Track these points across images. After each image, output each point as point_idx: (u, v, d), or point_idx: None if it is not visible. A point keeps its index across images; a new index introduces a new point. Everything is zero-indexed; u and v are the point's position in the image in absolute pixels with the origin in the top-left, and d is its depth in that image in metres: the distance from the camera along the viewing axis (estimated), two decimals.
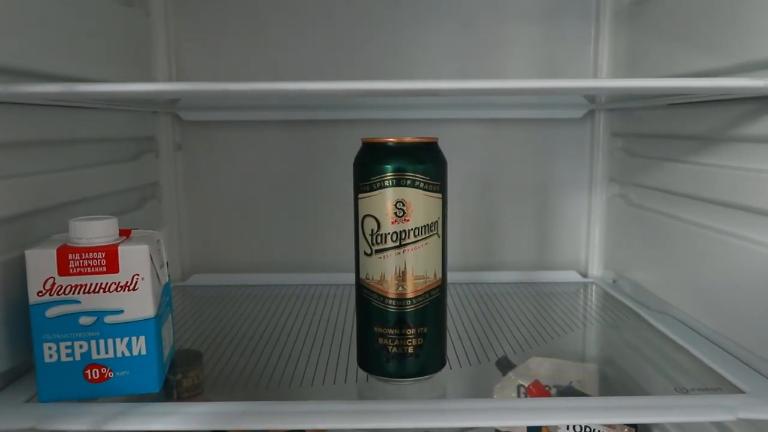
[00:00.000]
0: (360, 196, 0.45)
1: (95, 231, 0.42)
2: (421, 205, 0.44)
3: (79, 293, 0.41)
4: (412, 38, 0.77)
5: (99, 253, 0.41)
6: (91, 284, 0.41)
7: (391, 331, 0.45)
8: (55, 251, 0.40)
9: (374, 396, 0.47)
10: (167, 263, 0.48)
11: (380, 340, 0.46)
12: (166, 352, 0.46)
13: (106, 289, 0.41)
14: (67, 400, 0.42)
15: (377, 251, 0.45)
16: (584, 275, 0.81)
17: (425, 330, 0.46)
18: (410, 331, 0.45)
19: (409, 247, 0.44)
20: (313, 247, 0.81)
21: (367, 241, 0.45)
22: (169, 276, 0.48)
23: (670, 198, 0.61)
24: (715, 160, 0.53)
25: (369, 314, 0.46)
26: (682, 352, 0.53)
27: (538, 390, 0.47)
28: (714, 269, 0.53)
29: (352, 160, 0.46)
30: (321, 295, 0.73)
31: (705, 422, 0.50)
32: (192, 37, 0.77)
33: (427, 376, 0.47)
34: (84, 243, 0.41)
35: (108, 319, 0.41)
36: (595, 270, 0.81)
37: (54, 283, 0.40)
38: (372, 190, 0.44)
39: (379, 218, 0.44)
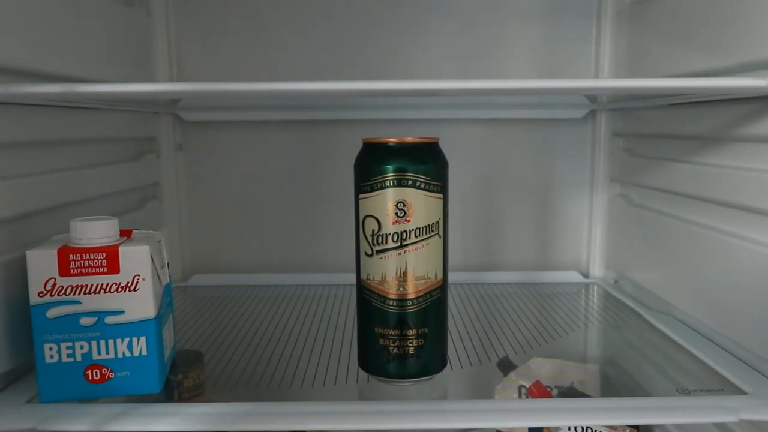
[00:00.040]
0: (361, 196, 0.45)
1: (96, 231, 0.42)
2: (422, 205, 0.44)
3: (79, 294, 0.41)
4: (412, 38, 0.77)
5: (100, 254, 0.41)
6: (92, 285, 0.41)
7: (392, 331, 0.45)
8: (56, 252, 0.40)
9: (375, 397, 0.47)
10: (168, 264, 0.48)
11: (381, 341, 0.46)
12: (167, 352, 0.46)
13: (107, 290, 0.41)
14: (68, 400, 0.41)
15: (378, 252, 0.45)
16: (585, 275, 0.81)
17: (426, 331, 0.46)
18: (411, 332, 0.45)
19: (410, 247, 0.44)
20: (314, 248, 0.81)
21: (368, 242, 0.45)
22: (169, 276, 0.48)
23: (672, 198, 0.61)
24: (716, 160, 0.53)
25: (370, 315, 0.46)
26: (683, 352, 0.53)
27: (539, 391, 0.47)
28: (716, 269, 0.53)
29: (353, 161, 0.46)
30: (322, 296, 0.73)
31: (707, 423, 0.50)
32: (193, 37, 0.77)
33: (428, 377, 0.47)
34: (85, 243, 0.41)
35: (109, 319, 0.41)
36: (597, 270, 0.80)
37: (55, 284, 0.40)
38: (373, 190, 0.44)
39: (380, 218, 0.44)
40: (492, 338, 0.58)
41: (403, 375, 0.46)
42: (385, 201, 0.44)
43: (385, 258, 0.44)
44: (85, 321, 0.41)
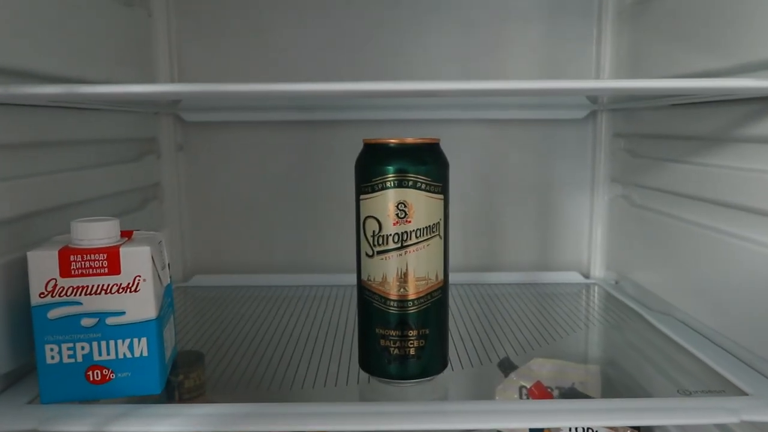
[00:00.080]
0: (361, 197, 0.45)
1: (97, 232, 0.42)
2: (422, 206, 0.44)
3: (80, 295, 0.41)
4: (412, 38, 0.77)
5: (101, 255, 0.41)
6: (93, 286, 0.41)
7: (392, 332, 0.45)
8: (56, 253, 0.40)
9: (376, 398, 0.47)
10: (169, 264, 0.48)
11: (382, 342, 0.46)
12: (168, 353, 0.46)
13: (108, 291, 0.41)
14: (69, 401, 0.41)
15: (379, 252, 0.45)
16: (586, 276, 0.81)
17: (427, 331, 0.46)
18: (412, 333, 0.45)
19: (411, 248, 0.44)
20: (315, 248, 0.81)
21: (369, 243, 0.45)
22: (170, 277, 0.48)
23: (673, 199, 0.61)
24: (717, 161, 0.53)
25: (370, 316, 0.46)
26: (684, 353, 0.53)
27: (540, 391, 0.47)
28: (717, 270, 0.53)
29: (353, 161, 0.46)
30: (322, 296, 0.73)
31: (708, 424, 0.50)
32: (193, 37, 0.77)
33: (428, 378, 0.47)
34: (86, 244, 0.41)
35: (110, 320, 0.41)
36: (598, 271, 0.80)
37: (56, 285, 0.40)
38: (373, 191, 0.44)
39: (380, 219, 0.44)
40: (493, 339, 0.58)
41: (403, 376, 0.46)
42: (386, 202, 0.44)
43: (385, 259, 0.44)
44: (86, 322, 0.41)
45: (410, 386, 0.46)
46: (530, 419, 0.41)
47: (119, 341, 0.42)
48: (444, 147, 0.46)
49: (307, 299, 0.72)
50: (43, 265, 0.40)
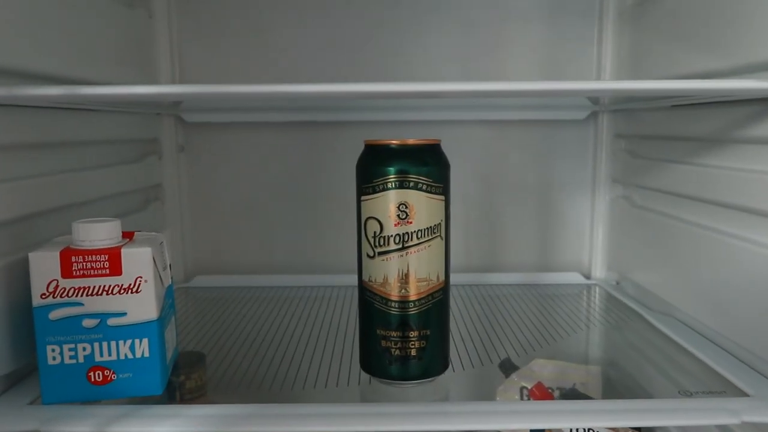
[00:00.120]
0: (363, 198, 0.45)
1: (98, 233, 0.42)
2: (423, 207, 0.44)
3: (82, 295, 0.41)
4: (412, 38, 0.77)
5: (102, 256, 0.41)
6: (94, 287, 0.41)
7: (393, 333, 0.45)
8: (58, 253, 0.40)
9: (377, 399, 0.47)
10: (170, 265, 0.48)
11: (383, 343, 0.46)
12: (169, 354, 0.46)
13: (109, 292, 0.41)
14: (71, 402, 0.42)
15: (380, 253, 0.45)
16: (587, 277, 0.81)
17: (428, 332, 0.46)
18: (413, 334, 0.45)
19: (412, 249, 0.44)
20: (316, 249, 0.81)
21: (370, 244, 0.45)
22: (171, 278, 0.48)
23: (674, 199, 0.61)
24: (718, 162, 0.53)
25: (371, 316, 0.46)
26: (685, 354, 0.53)
27: (541, 392, 0.47)
28: (717, 271, 0.53)
29: (354, 162, 0.46)
30: (323, 297, 0.73)
31: (709, 425, 0.50)
32: (194, 38, 0.77)
33: (429, 379, 0.47)
34: (87, 245, 0.41)
35: (111, 321, 0.41)
36: (598, 272, 0.80)
37: (57, 286, 0.40)
38: (375, 192, 0.44)
39: (381, 220, 0.44)
40: (494, 340, 0.58)
41: (404, 377, 0.46)
42: (387, 203, 0.44)
43: (387, 260, 0.44)
44: (88, 323, 0.41)
45: (411, 387, 0.46)
46: (531, 420, 0.41)
47: (120, 342, 0.42)
48: (445, 148, 0.46)
49: (308, 300, 0.72)
50: (44, 266, 0.40)
